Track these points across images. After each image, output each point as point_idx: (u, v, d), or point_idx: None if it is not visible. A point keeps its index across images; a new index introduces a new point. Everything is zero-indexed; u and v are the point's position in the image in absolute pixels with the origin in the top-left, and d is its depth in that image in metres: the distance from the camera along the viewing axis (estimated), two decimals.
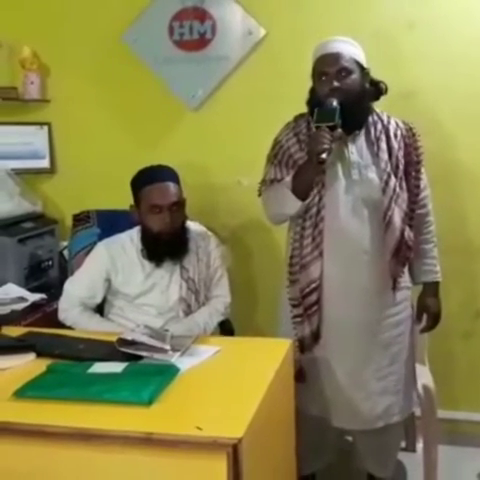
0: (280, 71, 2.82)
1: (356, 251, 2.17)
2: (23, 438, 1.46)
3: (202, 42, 2.92)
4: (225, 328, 2.51)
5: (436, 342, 2.65)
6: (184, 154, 2.90)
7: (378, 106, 2.25)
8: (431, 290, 2.34)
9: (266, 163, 2.29)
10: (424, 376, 2.55)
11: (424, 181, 2.27)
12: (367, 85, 2.17)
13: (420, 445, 2.70)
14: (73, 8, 3.02)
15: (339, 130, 2.03)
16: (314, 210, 2.16)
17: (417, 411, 2.58)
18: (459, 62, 2.68)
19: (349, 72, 2.11)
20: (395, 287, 2.20)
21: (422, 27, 2.70)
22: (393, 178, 2.14)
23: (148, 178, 2.31)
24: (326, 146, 1.98)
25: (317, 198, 2.15)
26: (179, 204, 2.30)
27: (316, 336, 2.19)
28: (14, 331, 2.08)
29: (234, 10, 2.87)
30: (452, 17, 2.67)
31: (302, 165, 2.13)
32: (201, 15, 2.90)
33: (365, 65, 2.17)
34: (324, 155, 1.98)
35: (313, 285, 2.17)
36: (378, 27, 2.71)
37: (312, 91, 2.18)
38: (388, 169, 2.14)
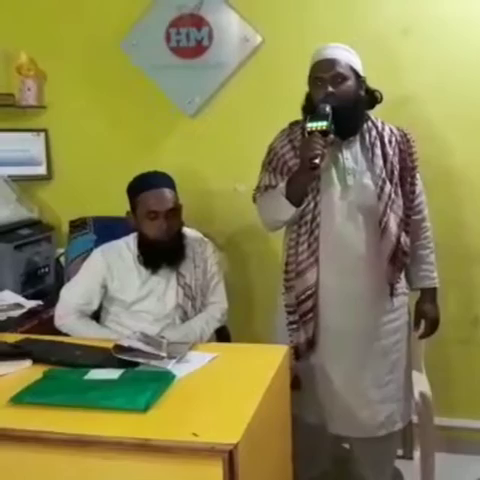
0: (277, 78, 2.82)
1: (352, 257, 2.16)
2: (19, 444, 1.46)
3: (199, 49, 2.92)
4: (221, 334, 2.50)
5: (434, 349, 2.64)
6: (181, 161, 2.91)
7: (374, 112, 2.26)
8: (428, 296, 2.34)
9: (261, 170, 2.29)
10: (421, 383, 2.55)
11: (419, 187, 2.27)
12: (362, 93, 2.17)
13: (417, 453, 2.70)
14: (70, 14, 3.02)
15: (331, 136, 2.02)
16: (309, 216, 2.16)
17: (414, 418, 2.58)
18: (454, 67, 2.69)
19: (344, 78, 2.11)
20: (392, 293, 2.20)
21: (417, 33, 2.71)
22: (388, 184, 2.14)
23: (144, 184, 2.31)
24: (318, 152, 1.97)
25: (312, 204, 2.15)
26: (175, 210, 2.31)
27: (311, 343, 2.18)
28: (10, 338, 2.07)
29: (231, 17, 2.88)
30: (447, 22, 2.68)
31: (296, 171, 2.12)
32: (198, 22, 2.91)
33: (361, 73, 2.17)
34: (317, 160, 1.97)
35: (309, 292, 2.16)
36: (374, 33, 2.72)
37: (308, 97, 2.18)
38: (383, 175, 2.14)
